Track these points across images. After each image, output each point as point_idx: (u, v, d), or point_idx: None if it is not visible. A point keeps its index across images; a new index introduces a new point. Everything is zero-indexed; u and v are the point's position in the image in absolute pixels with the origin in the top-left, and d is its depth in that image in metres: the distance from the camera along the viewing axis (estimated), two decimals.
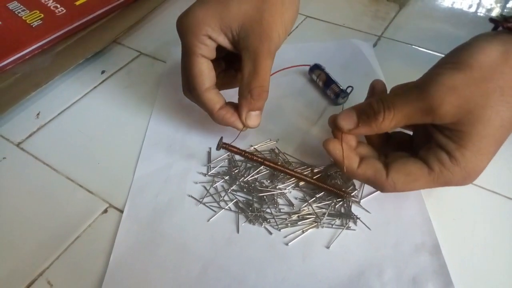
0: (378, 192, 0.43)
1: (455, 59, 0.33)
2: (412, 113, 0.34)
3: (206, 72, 0.40)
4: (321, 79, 0.54)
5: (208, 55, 0.40)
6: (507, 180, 0.44)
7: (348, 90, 0.52)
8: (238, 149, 0.42)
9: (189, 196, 0.43)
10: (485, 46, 0.32)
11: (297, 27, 0.66)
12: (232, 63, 0.46)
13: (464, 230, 0.40)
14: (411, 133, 0.42)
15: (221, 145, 0.42)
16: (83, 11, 0.63)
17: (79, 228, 0.41)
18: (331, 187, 0.42)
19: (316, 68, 0.55)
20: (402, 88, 0.36)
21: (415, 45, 0.62)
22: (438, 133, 0.35)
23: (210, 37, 0.39)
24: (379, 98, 0.36)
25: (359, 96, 0.46)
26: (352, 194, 0.42)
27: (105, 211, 0.43)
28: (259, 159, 0.42)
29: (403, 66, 0.58)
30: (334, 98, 0.52)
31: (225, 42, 0.40)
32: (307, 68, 0.56)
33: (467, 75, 0.32)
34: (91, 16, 0.63)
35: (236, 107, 0.43)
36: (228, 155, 0.47)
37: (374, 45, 0.63)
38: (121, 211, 0.42)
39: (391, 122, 0.35)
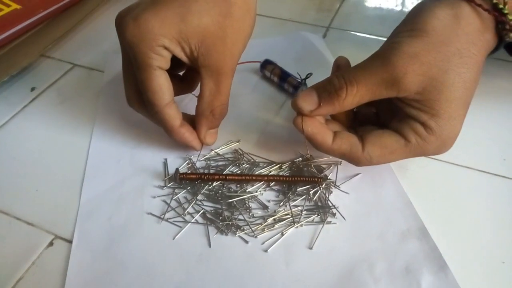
0: (353, 182, 0.40)
1: (410, 26, 0.33)
2: (376, 86, 0.33)
3: (165, 86, 0.36)
4: (275, 74, 0.51)
5: (164, 66, 0.36)
6: (476, 154, 0.43)
7: (307, 77, 0.49)
8: (197, 174, 0.40)
9: (149, 213, 0.38)
10: (436, 11, 0.32)
11: None
12: (174, 68, 0.41)
13: (446, 209, 0.38)
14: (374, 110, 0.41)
15: (179, 177, 0.39)
16: (3, 25, 0.55)
17: (20, 268, 0.35)
18: (303, 177, 0.39)
19: (267, 64, 0.52)
20: (363, 62, 0.35)
21: (363, 33, 0.61)
22: (407, 107, 0.34)
23: (166, 48, 0.35)
24: (339, 73, 0.35)
25: None
26: (327, 178, 0.40)
27: (51, 243, 0.37)
28: (221, 177, 0.39)
29: (355, 54, 0.55)
30: (293, 91, 0.49)
31: (181, 55, 0.36)
32: (258, 65, 0.53)
33: (425, 40, 0.32)
34: (13, 30, 0.55)
35: (192, 121, 0.41)
36: (187, 163, 0.42)
37: (324, 36, 0.61)
38: (70, 242, 0.36)
39: (354, 97, 0.34)
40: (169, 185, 0.40)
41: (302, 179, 0.39)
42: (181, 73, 0.44)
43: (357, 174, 0.41)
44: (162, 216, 0.38)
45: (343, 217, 0.37)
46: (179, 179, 0.39)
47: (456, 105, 0.33)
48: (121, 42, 0.36)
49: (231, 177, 0.39)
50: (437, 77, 0.31)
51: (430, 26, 0.32)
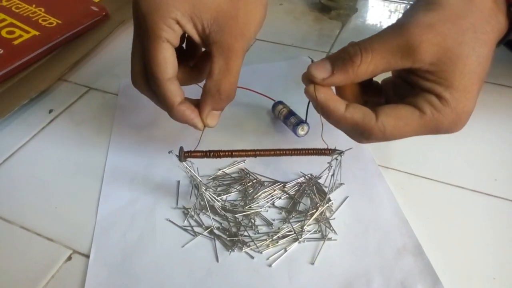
0: (352, 201, 0.43)
1: (425, 1, 0.34)
2: (391, 55, 0.33)
3: (171, 60, 0.36)
4: (282, 114, 0.52)
5: (173, 41, 0.36)
6: (469, 175, 0.45)
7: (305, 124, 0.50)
8: (202, 152, 0.39)
9: (167, 220, 0.41)
10: None
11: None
12: (185, 58, 0.42)
13: (440, 227, 0.41)
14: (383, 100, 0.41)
15: (184, 155, 0.38)
16: (23, 51, 0.59)
17: (41, 281, 0.37)
18: (312, 150, 0.39)
19: (279, 104, 0.53)
20: (378, 32, 0.34)
21: None
22: (421, 79, 0.34)
23: (178, 23, 0.35)
24: (354, 42, 0.34)
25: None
26: (336, 150, 0.39)
27: (69, 258, 0.39)
28: (227, 153, 0.39)
29: None
30: (293, 128, 0.50)
31: (192, 32, 0.36)
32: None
33: (440, 13, 0.32)
34: (32, 55, 0.59)
35: (195, 104, 0.40)
36: (195, 185, 0.44)
37: None
38: (87, 256, 0.39)
39: (368, 66, 0.33)
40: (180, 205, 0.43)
41: (313, 152, 0.39)
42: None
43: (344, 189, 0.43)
44: (177, 224, 0.41)
45: (334, 232, 0.40)
46: (184, 157, 0.38)
47: (470, 79, 0.32)
48: (135, 13, 0.37)
49: (237, 153, 0.39)
50: (452, 49, 0.32)
51: (445, 1, 0.33)
